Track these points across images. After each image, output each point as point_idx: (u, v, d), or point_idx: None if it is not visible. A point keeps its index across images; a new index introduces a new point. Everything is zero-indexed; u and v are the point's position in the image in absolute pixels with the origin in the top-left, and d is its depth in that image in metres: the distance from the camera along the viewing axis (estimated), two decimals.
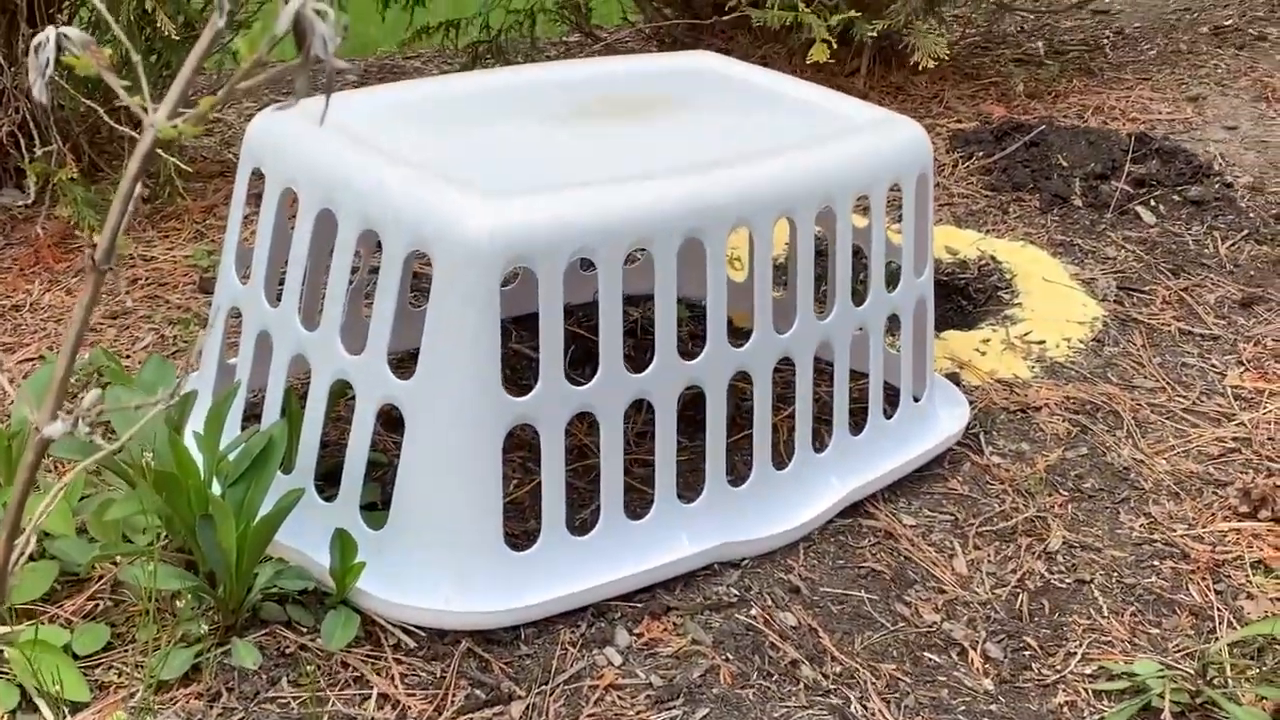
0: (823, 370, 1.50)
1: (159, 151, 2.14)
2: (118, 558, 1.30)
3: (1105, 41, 3.20)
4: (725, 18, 2.62)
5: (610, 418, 1.29)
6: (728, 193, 1.33)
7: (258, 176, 1.45)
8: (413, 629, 1.29)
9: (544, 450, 1.26)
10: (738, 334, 1.50)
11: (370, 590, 1.26)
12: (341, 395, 1.35)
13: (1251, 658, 1.43)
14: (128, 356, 1.88)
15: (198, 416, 1.39)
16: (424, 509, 1.26)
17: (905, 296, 1.56)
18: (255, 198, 1.50)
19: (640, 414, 1.49)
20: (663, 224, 1.29)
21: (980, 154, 2.45)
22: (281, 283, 1.40)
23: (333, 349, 1.29)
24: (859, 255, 1.52)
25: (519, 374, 1.59)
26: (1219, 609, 1.48)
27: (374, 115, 1.47)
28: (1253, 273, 2.19)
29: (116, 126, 2.15)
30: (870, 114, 1.58)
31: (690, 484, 1.41)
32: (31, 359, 1.88)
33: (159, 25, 2.06)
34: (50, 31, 0.58)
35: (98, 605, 1.34)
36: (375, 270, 1.31)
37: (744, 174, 1.35)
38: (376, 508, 1.32)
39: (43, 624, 1.23)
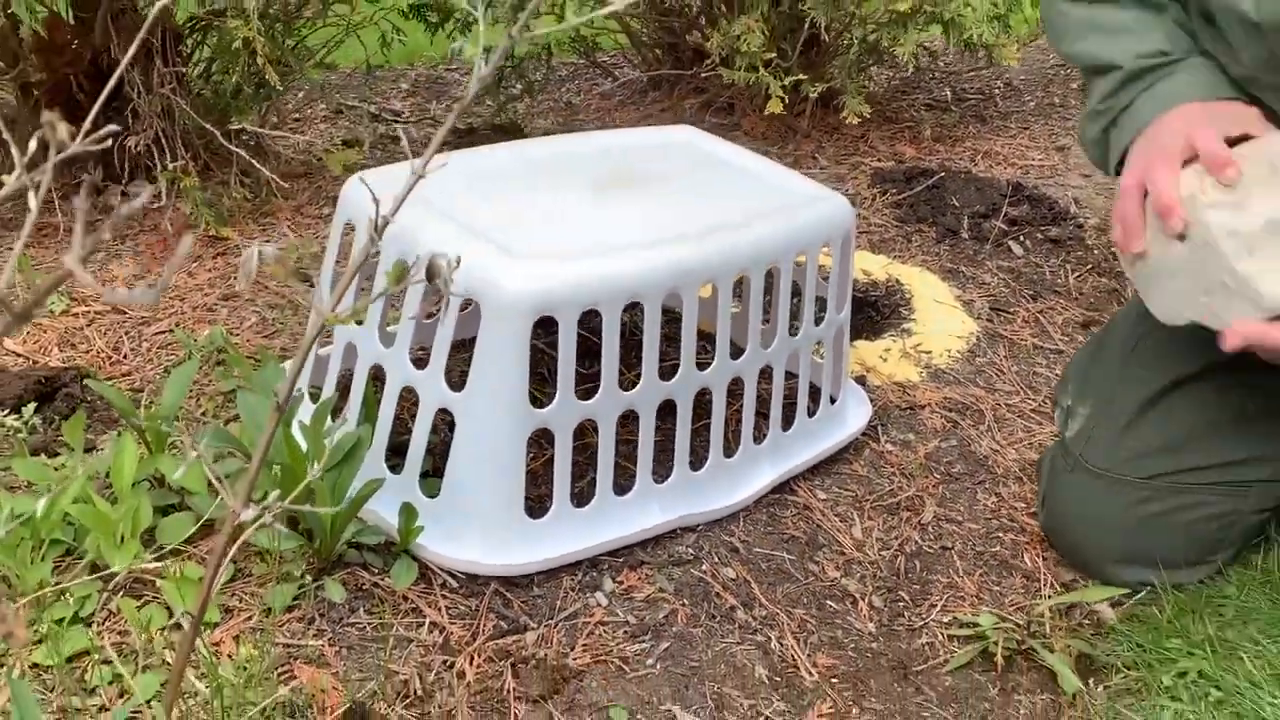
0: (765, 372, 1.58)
1: (254, 162, 2.18)
2: None
3: (996, 92, 3.13)
4: (703, 71, 2.66)
5: (607, 424, 1.35)
6: (702, 259, 1.36)
7: (349, 229, 1.48)
8: (457, 574, 1.34)
9: (557, 449, 1.33)
10: (705, 337, 1.58)
11: (426, 544, 1.32)
12: (407, 398, 1.42)
13: (1064, 615, 1.45)
14: (236, 334, 1.86)
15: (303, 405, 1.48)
16: (468, 488, 1.32)
17: (829, 327, 1.60)
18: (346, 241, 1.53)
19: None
20: (651, 285, 1.33)
21: (894, 190, 2.42)
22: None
23: (404, 364, 1.36)
24: (797, 295, 1.60)
25: (539, 365, 1.62)
26: (1044, 573, 1.52)
27: (440, 183, 1.54)
28: (1093, 299, 2.15)
29: (227, 145, 2.18)
30: (811, 190, 1.59)
31: (661, 465, 1.44)
32: (163, 331, 1.87)
33: (260, 65, 2.07)
34: (254, 249, 0.66)
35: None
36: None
37: (714, 244, 1.39)
38: (429, 475, 1.37)
39: (184, 562, 1.33)
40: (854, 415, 1.72)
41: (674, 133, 1.76)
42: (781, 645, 1.35)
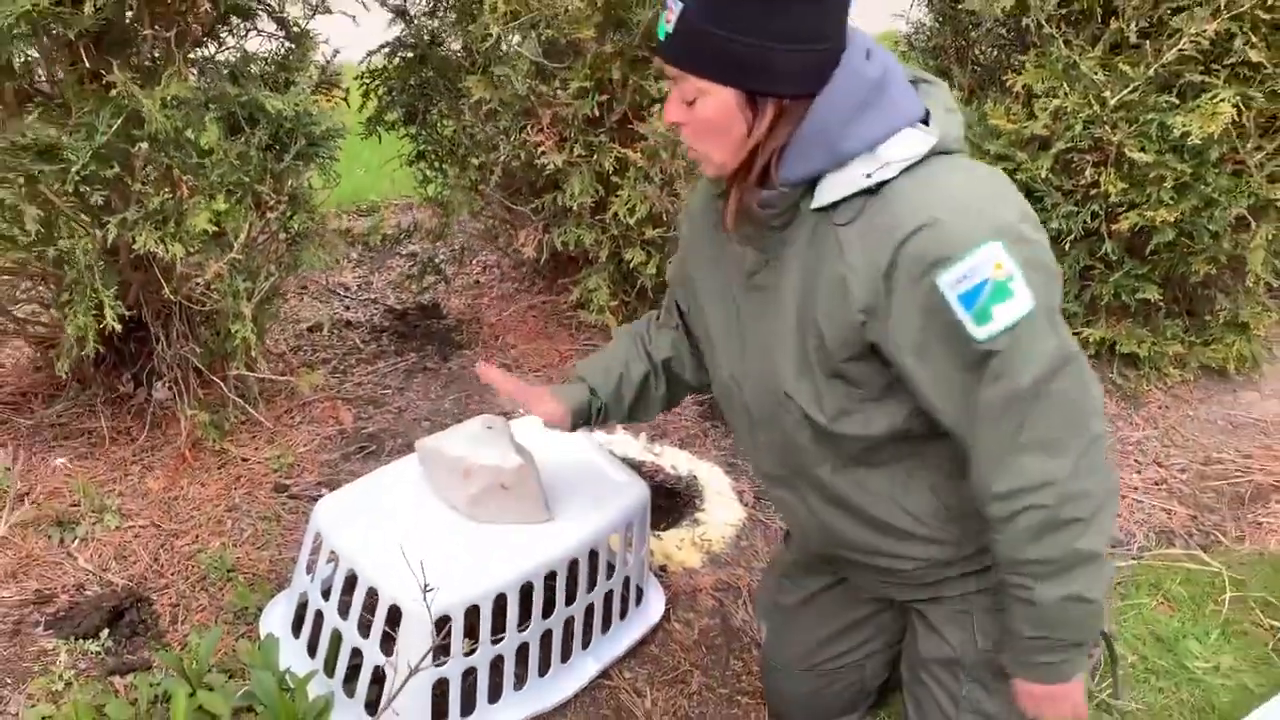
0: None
1: (244, 403, 2.50)
2: None
3: None
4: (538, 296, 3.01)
5: (483, 669, 1.79)
6: (542, 565, 1.78)
7: (318, 539, 1.82)
8: None
9: (450, 688, 1.76)
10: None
11: None
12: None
13: None
14: (238, 545, 2.17)
15: (275, 614, 1.87)
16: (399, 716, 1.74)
17: (636, 565, 2.02)
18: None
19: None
20: (512, 583, 1.74)
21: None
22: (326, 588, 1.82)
23: (353, 633, 1.78)
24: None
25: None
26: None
27: (368, 503, 1.88)
28: None
29: (225, 389, 2.53)
30: (625, 477, 1.96)
31: (520, 678, 1.81)
32: (189, 544, 2.17)
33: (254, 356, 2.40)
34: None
35: None
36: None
37: (549, 553, 1.78)
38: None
39: None
40: (654, 607, 2.09)
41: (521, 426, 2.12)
42: None
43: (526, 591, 1.79)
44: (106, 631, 1.92)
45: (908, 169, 1.23)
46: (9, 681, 1.84)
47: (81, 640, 1.91)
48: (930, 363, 1.26)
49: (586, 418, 1.71)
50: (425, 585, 1.48)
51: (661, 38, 1.26)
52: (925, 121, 1.27)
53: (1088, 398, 1.28)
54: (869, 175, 1.24)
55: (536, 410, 1.70)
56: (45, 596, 2.03)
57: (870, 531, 1.50)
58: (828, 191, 1.27)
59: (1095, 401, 1.29)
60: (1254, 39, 2.60)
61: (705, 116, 1.26)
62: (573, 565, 1.85)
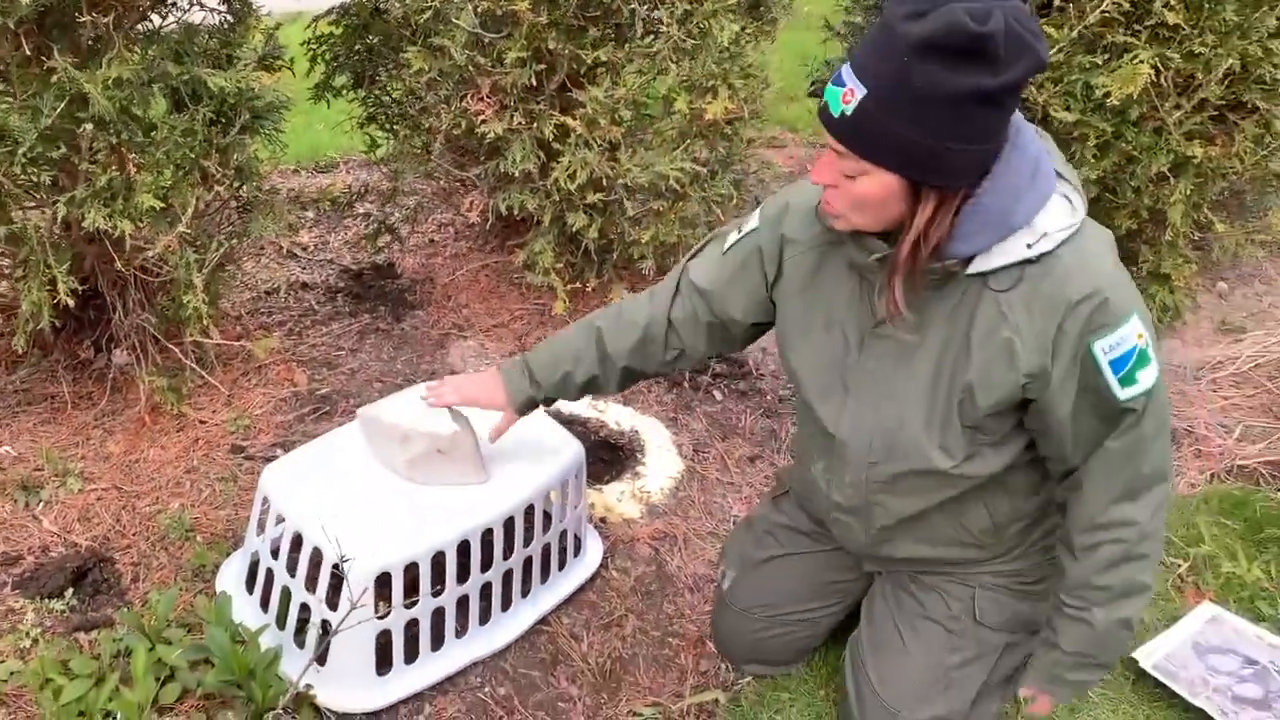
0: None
1: (199, 370, 2.59)
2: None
3: None
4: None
5: (424, 619, 1.92)
6: (483, 522, 1.91)
7: (265, 502, 1.94)
8: (338, 712, 1.83)
9: (394, 636, 1.89)
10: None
11: (318, 696, 1.83)
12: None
13: (698, 709, 1.90)
14: (195, 506, 2.27)
15: (230, 571, 2.00)
16: (342, 661, 1.84)
17: (573, 519, 2.13)
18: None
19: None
20: (449, 541, 1.85)
21: None
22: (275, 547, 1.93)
23: (301, 590, 1.89)
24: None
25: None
26: (690, 669, 1.97)
27: (312, 468, 1.99)
28: (760, 439, 2.58)
29: (181, 356, 2.62)
30: (561, 438, 2.07)
31: (462, 625, 1.93)
32: (151, 505, 2.27)
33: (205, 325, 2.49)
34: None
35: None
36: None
37: (489, 512, 1.91)
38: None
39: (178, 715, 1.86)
40: (592, 555, 2.22)
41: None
42: None
43: (464, 548, 1.91)
44: (71, 591, 2.04)
45: (1067, 240, 1.33)
46: None
47: (47, 600, 2.02)
48: (1076, 419, 1.41)
49: (532, 407, 1.87)
50: (343, 557, 1.59)
51: (835, 114, 1.26)
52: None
53: (1170, 450, 1.48)
54: (1030, 246, 1.33)
55: (486, 406, 1.86)
56: (11, 558, 2.14)
57: (924, 545, 1.68)
58: (989, 260, 1.35)
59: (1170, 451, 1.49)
60: (1172, 1, 2.68)
61: (863, 192, 1.31)
62: (509, 523, 1.97)
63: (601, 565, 2.24)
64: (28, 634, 1.95)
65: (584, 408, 2.73)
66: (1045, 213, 1.34)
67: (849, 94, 1.24)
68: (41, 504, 2.29)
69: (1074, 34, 2.74)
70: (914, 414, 1.49)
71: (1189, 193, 2.90)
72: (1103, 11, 2.70)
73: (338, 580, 1.81)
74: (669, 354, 1.77)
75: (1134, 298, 1.37)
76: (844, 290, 1.52)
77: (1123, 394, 1.37)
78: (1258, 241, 3.04)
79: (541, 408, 1.90)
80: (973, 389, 1.42)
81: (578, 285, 2.91)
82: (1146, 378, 1.37)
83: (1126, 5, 2.69)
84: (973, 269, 1.36)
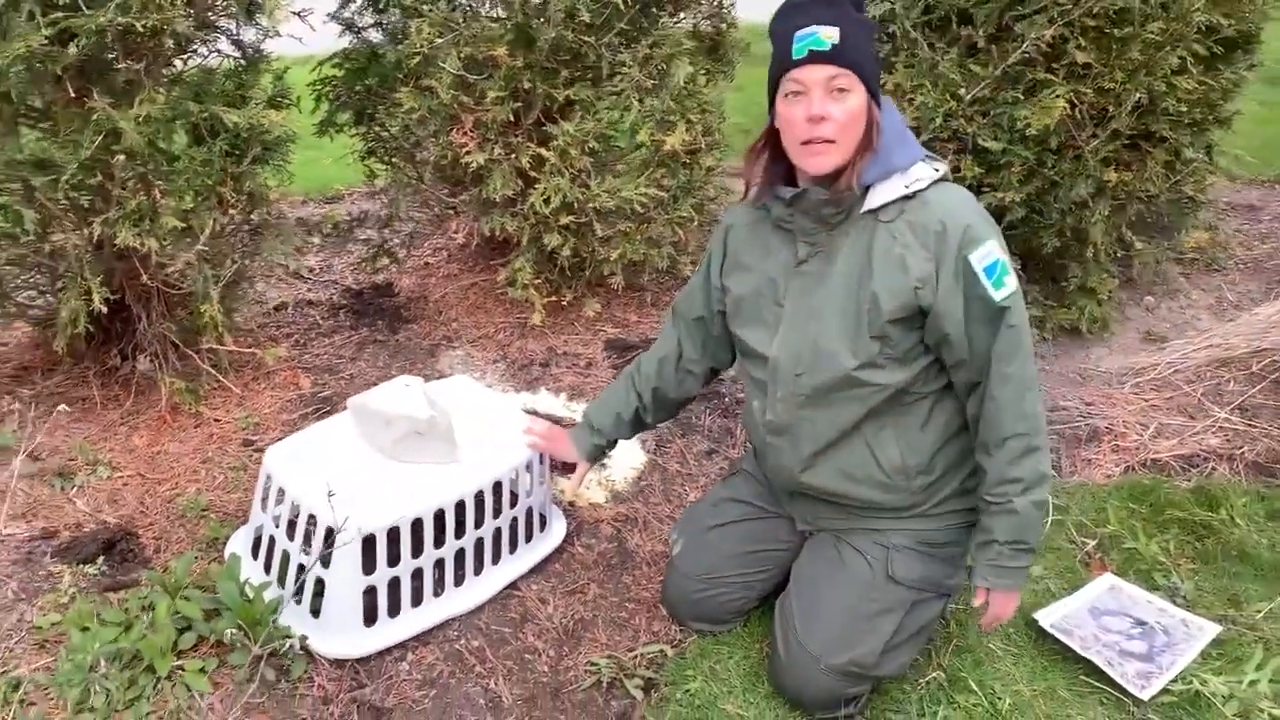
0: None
1: (215, 374, 2.90)
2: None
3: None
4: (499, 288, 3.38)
5: (405, 577, 2.22)
6: (455, 490, 2.21)
7: (269, 480, 2.21)
8: (330, 659, 2.07)
9: (379, 592, 2.19)
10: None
11: (312, 644, 2.09)
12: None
13: (648, 660, 2.10)
14: (209, 491, 2.55)
15: (238, 541, 2.30)
16: (334, 613, 2.10)
17: (539, 498, 2.43)
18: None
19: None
20: (425, 510, 2.14)
21: (615, 355, 3.11)
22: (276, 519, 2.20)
23: (295, 552, 2.19)
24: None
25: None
26: (642, 630, 2.14)
27: (309, 450, 2.27)
28: (717, 436, 2.79)
29: (199, 361, 2.91)
30: (525, 421, 2.40)
31: (439, 585, 2.18)
32: (172, 490, 2.54)
33: (219, 334, 2.81)
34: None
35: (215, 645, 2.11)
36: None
37: (462, 487, 2.19)
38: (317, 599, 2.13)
39: (194, 659, 2.13)
40: (557, 531, 2.47)
41: (456, 382, 2.57)
42: (496, 685, 2.03)
43: (440, 516, 2.20)
44: (102, 558, 2.34)
45: (932, 184, 1.77)
46: (24, 597, 2.25)
47: (81, 565, 2.32)
48: (969, 325, 1.76)
49: (601, 454, 2.32)
50: (330, 492, 1.89)
51: (826, 48, 1.68)
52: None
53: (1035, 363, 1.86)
54: (907, 186, 1.76)
55: (566, 459, 2.34)
56: (50, 532, 2.44)
57: (844, 481, 1.97)
58: (876, 198, 1.78)
59: None
60: (1083, 42, 3.00)
61: (851, 107, 1.71)
62: (479, 496, 2.27)
63: (568, 542, 2.47)
64: (65, 592, 2.24)
65: (560, 409, 3.01)
66: (916, 167, 1.78)
67: (831, 32, 1.68)
68: (75, 488, 2.59)
69: (998, 71, 3.05)
70: (831, 325, 1.83)
71: (1108, 214, 3.20)
72: (1023, 52, 3.02)
73: (331, 546, 2.11)
74: (679, 369, 2.20)
75: (992, 227, 1.76)
76: (772, 247, 1.92)
77: (997, 295, 1.74)
78: (1172, 259, 3.33)
79: (598, 443, 2.30)
80: (877, 297, 1.78)
81: (554, 299, 3.22)
82: (1011, 283, 1.75)
83: (1045, 46, 3.01)
84: (865, 207, 1.79)
